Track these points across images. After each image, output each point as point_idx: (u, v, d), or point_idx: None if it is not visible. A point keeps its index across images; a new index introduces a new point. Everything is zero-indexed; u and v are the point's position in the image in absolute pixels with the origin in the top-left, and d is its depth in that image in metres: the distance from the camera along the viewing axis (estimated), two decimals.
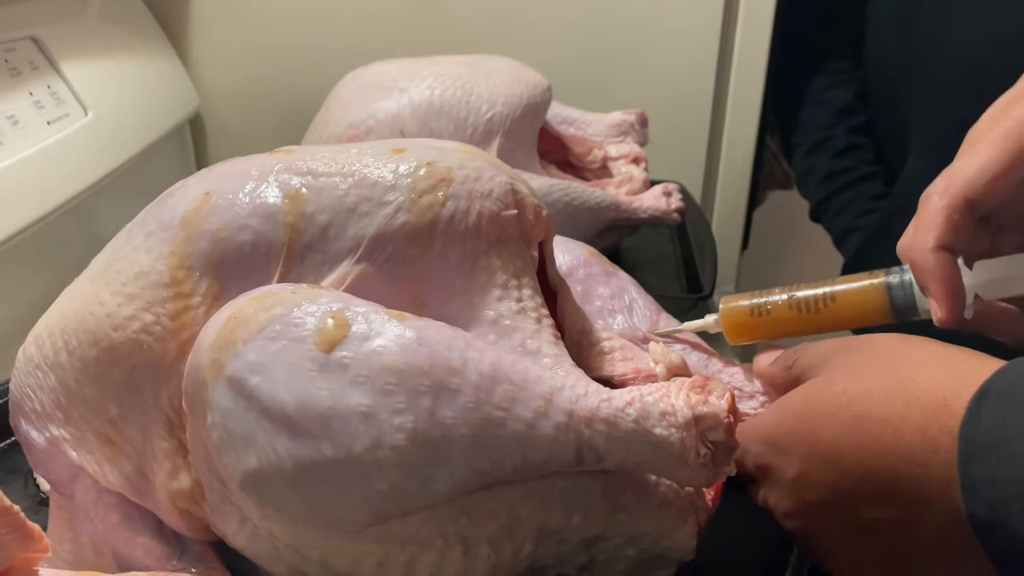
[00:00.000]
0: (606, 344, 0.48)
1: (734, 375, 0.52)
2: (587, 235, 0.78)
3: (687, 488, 0.42)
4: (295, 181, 0.43)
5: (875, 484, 0.38)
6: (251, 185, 0.43)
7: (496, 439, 0.36)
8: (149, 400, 0.41)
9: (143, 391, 0.41)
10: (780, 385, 0.48)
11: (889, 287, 0.50)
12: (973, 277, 0.47)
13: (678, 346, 0.55)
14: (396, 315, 0.38)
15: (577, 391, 0.38)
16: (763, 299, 0.52)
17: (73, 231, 0.82)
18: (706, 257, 0.86)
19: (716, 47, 1.06)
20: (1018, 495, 0.32)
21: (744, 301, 0.53)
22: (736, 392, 0.51)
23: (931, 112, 0.93)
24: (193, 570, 0.42)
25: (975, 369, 0.37)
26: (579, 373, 0.41)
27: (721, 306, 0.54)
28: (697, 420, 0.37)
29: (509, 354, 0.39)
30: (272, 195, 0.42)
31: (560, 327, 0.47)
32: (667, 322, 0.56)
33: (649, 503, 0.40)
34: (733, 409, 0.38)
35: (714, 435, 0.37)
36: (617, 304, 0.56)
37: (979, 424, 0.35)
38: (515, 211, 0.44)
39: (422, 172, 0.43)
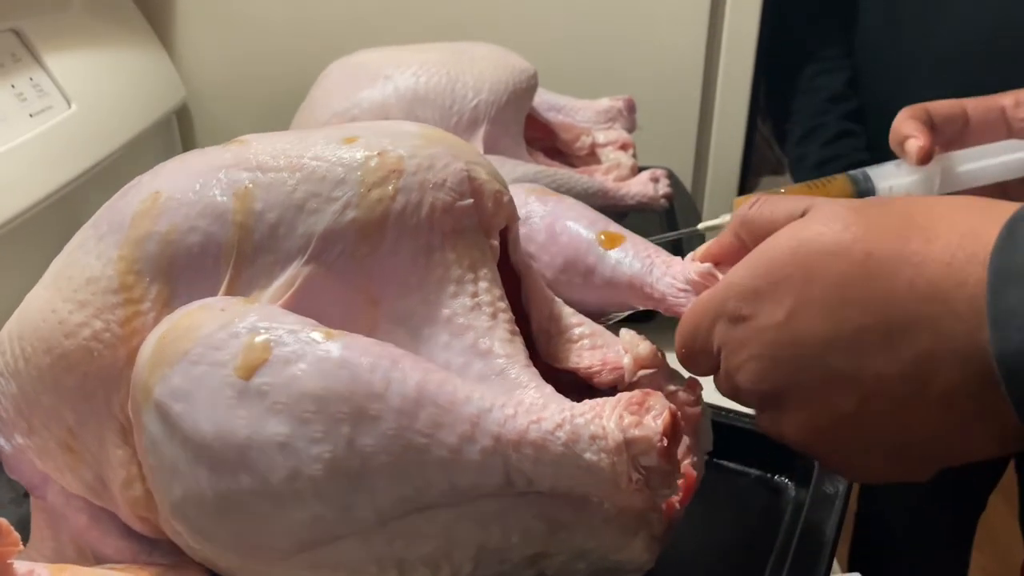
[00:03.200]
0: (575, 331, 0.46)
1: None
2: None
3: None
4: (244, 177, 0.41)
5: (882, 330, 0.33)
6: (200, 183, 0.41)
7: (419, 466, 0.35)
8: (102, 408, 0.41)
9: (96, 398, 0.41)
10: (741, 249, 0.41)
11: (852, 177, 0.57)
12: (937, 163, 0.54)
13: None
14: (324, 333, 0.37)
15: (506, 412, 0.36)
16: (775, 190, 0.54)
17: (57, 225, 0.81)
18: (694, 242, 0.86)
19: (704, 31, 1.06)
20: None
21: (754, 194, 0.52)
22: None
23: (922, 98, 0.93)
24: (165, 562, 0.42)
25: (1003, 206, 0.33)
26: (529, 375, 0.39)
27: (735, 203, 0.53)
28: (628, 444, 0.35)
29: (438, 371, 0.37)
30: (221, 193, 0.41)
31: (527, 313, 0.45)
32: (616, 228, 0.51)
33: (591, 521, 0.38)
34: (671, 431, 0.35)
35: (647, 460, 0.35)
36: (560, 227, 0.51)
37: (1015, 247, 0.30)
38: (471, 200, 0.42)
39: (372, 164, 0.41)
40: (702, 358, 0.40)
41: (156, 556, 0.43)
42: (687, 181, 1.11)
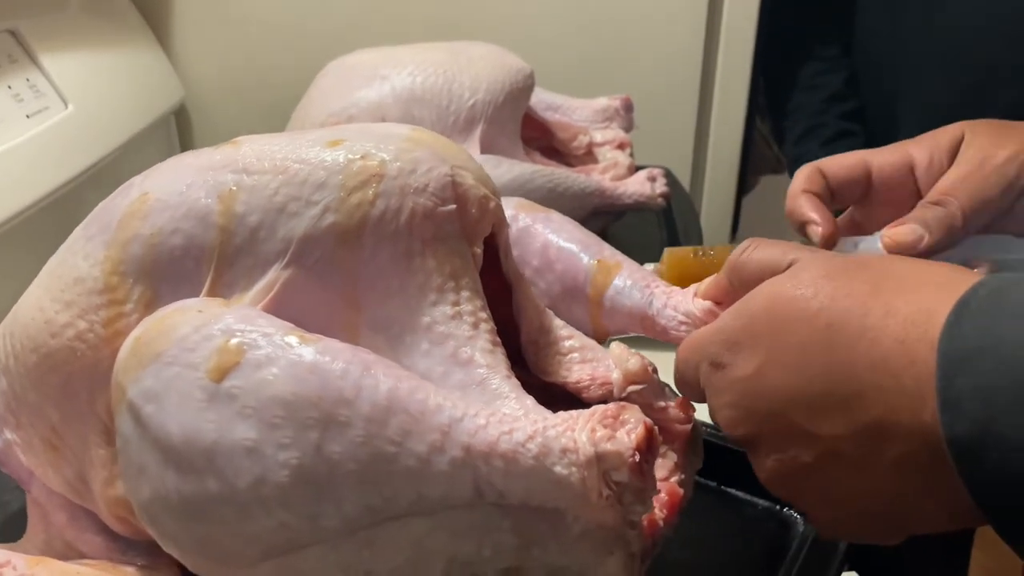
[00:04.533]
0: (565, 344, 0.45)
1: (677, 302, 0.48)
2: None
3: None
4: (229, 179, 0.41)
5: (840, 395, 0.35)
6: (187, 185, 0.41)
7: (387, 475, 0.34)
8: (85, 407, 0.41)
9: (80, 398, 0.41)
10: (732, 291, 0.43)
11: None
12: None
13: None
14: (299, 337, 0.36)
15: (478, 421, 0.35)
16: (707, 246, 0.53)
17: (54, 227, 0.81)
18: (692, 241, 0.86)
19: (703, 30, 1.06)
20: (1012, 401, 0.29)
21: (687, 248, 0.54)
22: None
23: (922, 96, 0.93)
24: (140, 562, 0.42)
25: (967, 281, 0.34)
26: (509, 385, 0.39)
27: (665, 252, 0.55)
28: (599, 458, 0.34)
29: (411, 379, 0.36)
30: (205, 196, 0.41)
31: (516, 324, 0.45)
32: (610, 254, 0.51)
33: (566, 536, 0.36)
34: (645, 447, 0.34)
35: (618, 475, 0.34)
36: (554, 253, 0.51)
37: (961, 334, 0.31)
38: (453, 206, 0.41)
39: (354, 168, 0.40)
40: (693, 389, 0.42)
41: (131, 556, 0.43)
42: (685, 180, 1.11)
